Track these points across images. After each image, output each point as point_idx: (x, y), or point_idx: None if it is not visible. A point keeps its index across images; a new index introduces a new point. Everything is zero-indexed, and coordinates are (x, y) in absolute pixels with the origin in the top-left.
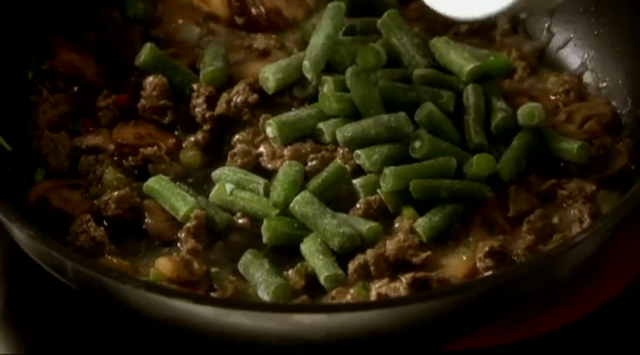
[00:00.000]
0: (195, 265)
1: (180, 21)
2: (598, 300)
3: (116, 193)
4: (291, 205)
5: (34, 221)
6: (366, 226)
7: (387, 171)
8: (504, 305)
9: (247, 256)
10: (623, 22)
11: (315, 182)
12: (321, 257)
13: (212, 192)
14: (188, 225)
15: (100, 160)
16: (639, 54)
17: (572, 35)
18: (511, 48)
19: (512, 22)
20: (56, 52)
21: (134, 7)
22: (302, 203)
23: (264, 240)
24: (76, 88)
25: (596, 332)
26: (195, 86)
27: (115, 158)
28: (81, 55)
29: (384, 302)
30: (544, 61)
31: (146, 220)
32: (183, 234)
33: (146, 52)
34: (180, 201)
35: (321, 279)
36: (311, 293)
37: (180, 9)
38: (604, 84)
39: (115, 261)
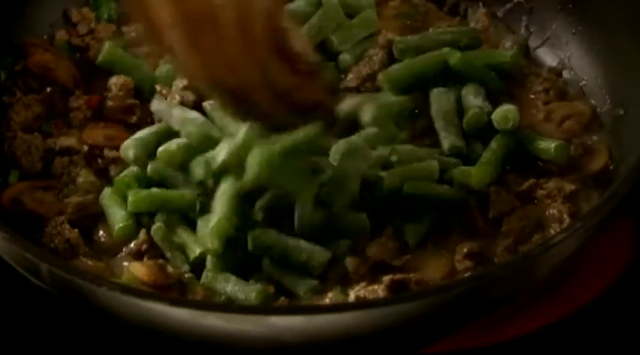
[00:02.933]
0: (170, 268)
1: None
2: (580, 300)
3: (75, 199)
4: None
5: (7, 223)
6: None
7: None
8: (484, 306)
9: (208, 274)
10: (600, 20)
11: None
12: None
13: None
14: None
15: (74, 162)
16: (617, 52)
17: (549, 33)
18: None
19: (490, 18)
20: (30, 52)
21: (108, 8)
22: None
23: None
24: (49, 89)
25: (578, 331)
26: (158, 87)
27: (87, 160)
28: (55, 56)
29: (361, 303)
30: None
31: (100, 232)
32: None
33: (104, 50)
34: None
35: (300, 292)
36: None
37: None
38: (583, 82)
39: (90, 262)
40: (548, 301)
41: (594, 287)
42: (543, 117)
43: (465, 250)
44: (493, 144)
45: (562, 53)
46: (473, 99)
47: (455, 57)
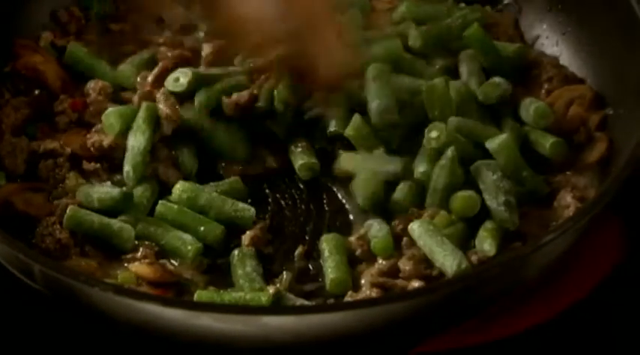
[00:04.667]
0: (171, 267)
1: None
2: (569, 300)
3: (64, 202)
4: None
5: None
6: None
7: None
8: (476, 305)
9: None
10: (589, 21)
11: None
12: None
13: None
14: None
15: (58, 164)
16: (606, 53)
17: (539, 34)
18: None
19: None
20: (19, 53)
21: (100, 7)
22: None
23: None
24: (37, 92)
25: (568, 331)
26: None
27: (72, 162)
28: (44, 57)
29: (351, 303)
30: None
31: None
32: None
33: (67, 51)
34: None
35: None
36: None
37: (144, 7)
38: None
39: (83, 262)
40: (538, 301)
41: (584, 287)
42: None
43: (474, 258)
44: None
45: (552, 54)
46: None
47: (472, 27)
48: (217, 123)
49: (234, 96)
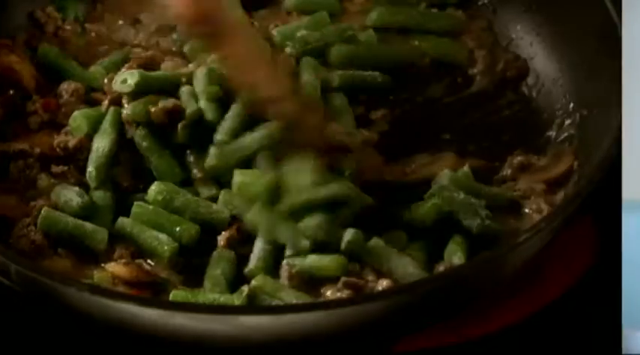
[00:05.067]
0: (147, 267)
1: (120, 22)
2: (541, 301)
3: (40, 203)
4: None
5: None
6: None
7: None
8: (451, 305)
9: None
10: (564, 22)
11: None
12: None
13: None
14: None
15: (29, 165)
16: (581, 53)
17: (514, 35)
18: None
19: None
20: None
21: (75, 9)
22: None
23: None
24: (11, 92)
25: (542, 331)
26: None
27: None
28: (19, 58)
29: (327, 303)
30: None
31: None
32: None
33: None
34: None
35: None
36: None
37: (120, 8)
38: (544, 86)
39: (60, 262)
40: (512, 301)
41: (557, 288)
42: None
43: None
44: None
45: (526, 55)
46: None
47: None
48: (153, 145)
49: (161, 103)
